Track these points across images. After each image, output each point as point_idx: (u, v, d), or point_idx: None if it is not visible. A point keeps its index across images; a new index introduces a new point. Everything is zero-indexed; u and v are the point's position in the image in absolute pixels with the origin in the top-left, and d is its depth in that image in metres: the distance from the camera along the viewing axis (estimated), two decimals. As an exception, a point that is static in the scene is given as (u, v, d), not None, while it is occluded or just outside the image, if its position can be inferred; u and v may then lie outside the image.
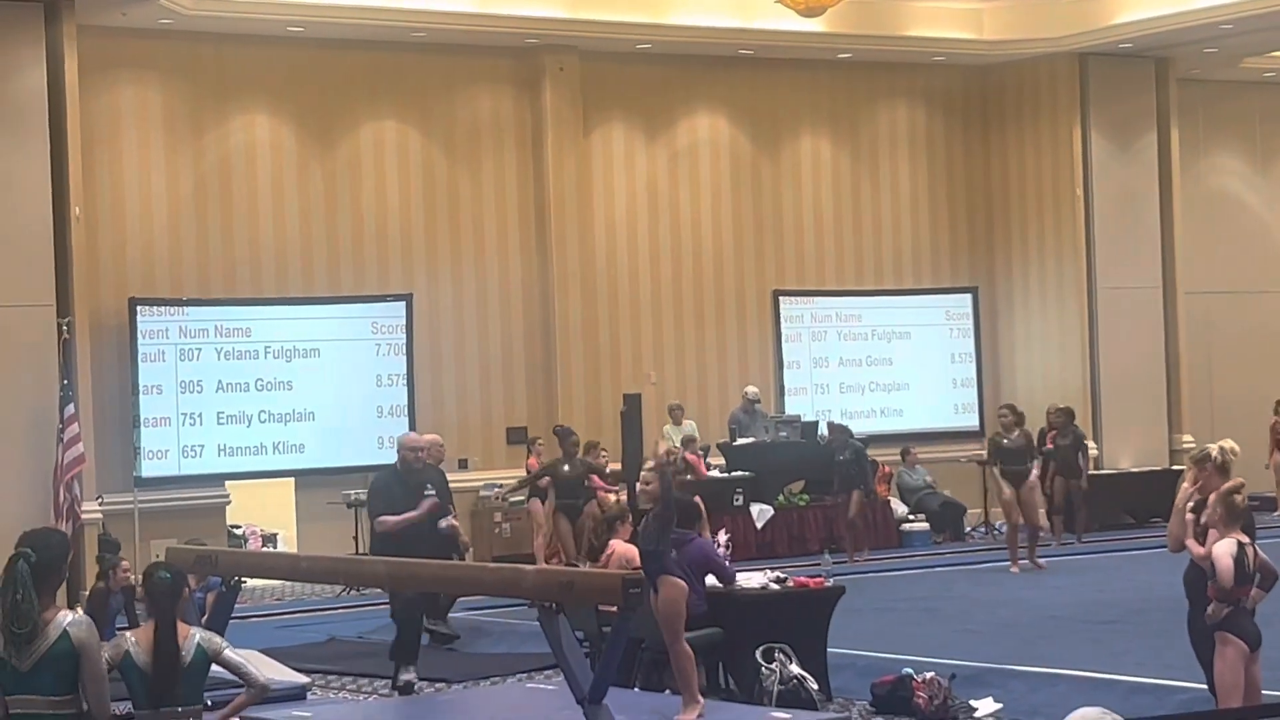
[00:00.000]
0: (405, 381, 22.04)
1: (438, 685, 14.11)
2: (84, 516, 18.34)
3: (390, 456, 21.55)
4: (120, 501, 19.93)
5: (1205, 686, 10.35)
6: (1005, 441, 20.19)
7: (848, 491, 21.46)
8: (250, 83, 21.77)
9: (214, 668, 8.34)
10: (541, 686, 13.21)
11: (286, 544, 21.57)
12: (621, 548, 13.28)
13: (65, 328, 18.82)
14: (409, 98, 22.75)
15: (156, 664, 8.13)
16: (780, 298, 25.10)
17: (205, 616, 12.30)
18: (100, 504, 19.26)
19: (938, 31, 25.25)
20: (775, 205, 25.28)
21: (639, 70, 24.14)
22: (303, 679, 13.76)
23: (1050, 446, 22.76)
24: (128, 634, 8.48)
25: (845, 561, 20.28)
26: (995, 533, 23.42)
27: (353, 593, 19.36)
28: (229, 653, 8.38)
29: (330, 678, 14.54)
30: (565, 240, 23.38)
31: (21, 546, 7.43)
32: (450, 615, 16.15)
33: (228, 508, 21.14)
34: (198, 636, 8.31)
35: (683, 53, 24.12)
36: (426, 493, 14.55)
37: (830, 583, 13.43)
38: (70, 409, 18.44)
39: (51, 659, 7.32)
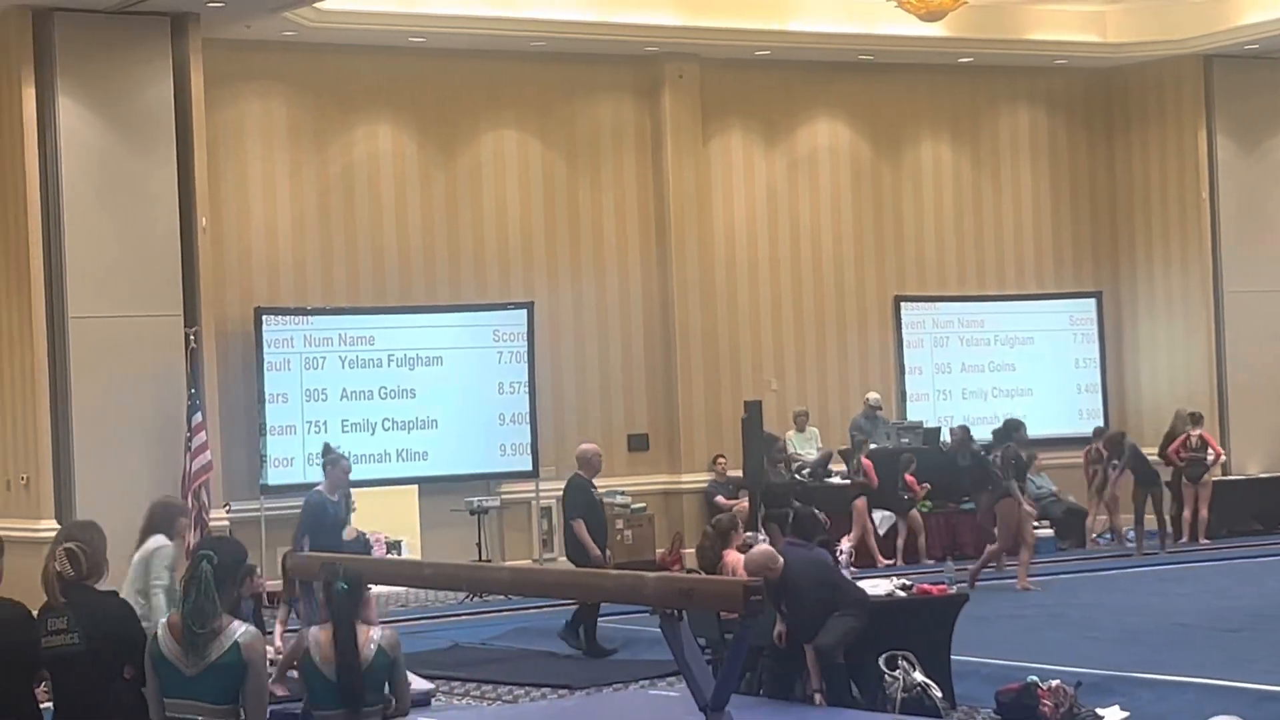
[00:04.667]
0: (527, 389, 22.13)
1: (560, 692, 14.16)
2: (212, 524, 18.53)
3: (513, 464, 21.96)
4: (247, 509, 20.14)
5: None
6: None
7: (975, 496, 21.22)
8: (373, 93, 21.96)
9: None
10: (664, 693, 13.22)
11: (410, 551, 21.71)
12: (734, 558, 13.25)
13: (192, 337, 19.03)
14: (529, 106, 22.86)
15: (339, 668, 8.24)
16: (902, 303, 25.00)
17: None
18: (227, 511, 19.46)
19: (1060, 34, 25.06)
20: (896, 210, 25.18)
21: (758, 77, 24.13)
22: (426, 685, 13.84)
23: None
24: (311, 630, 8.58)
25: (994, 567, 19.74)
26: (1123, 540, 23.21)
27: (475, 599, 19.46)
28: (401, 658, 8.46)
29: (454, 684, 14.63)
30: (685, 247, 23.40)
31: (203, 550, 7.53)
32: (562, 624, 16.24)
33: (352, 515, 21.28)
34: (379, 638, 8.38)
35: (802, 59, 24.08)
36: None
37: (954, 590, 13.36)
38: (198, 417, 18.65)
39: (219, 668, 7.38)
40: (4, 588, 8.16)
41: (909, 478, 22.12)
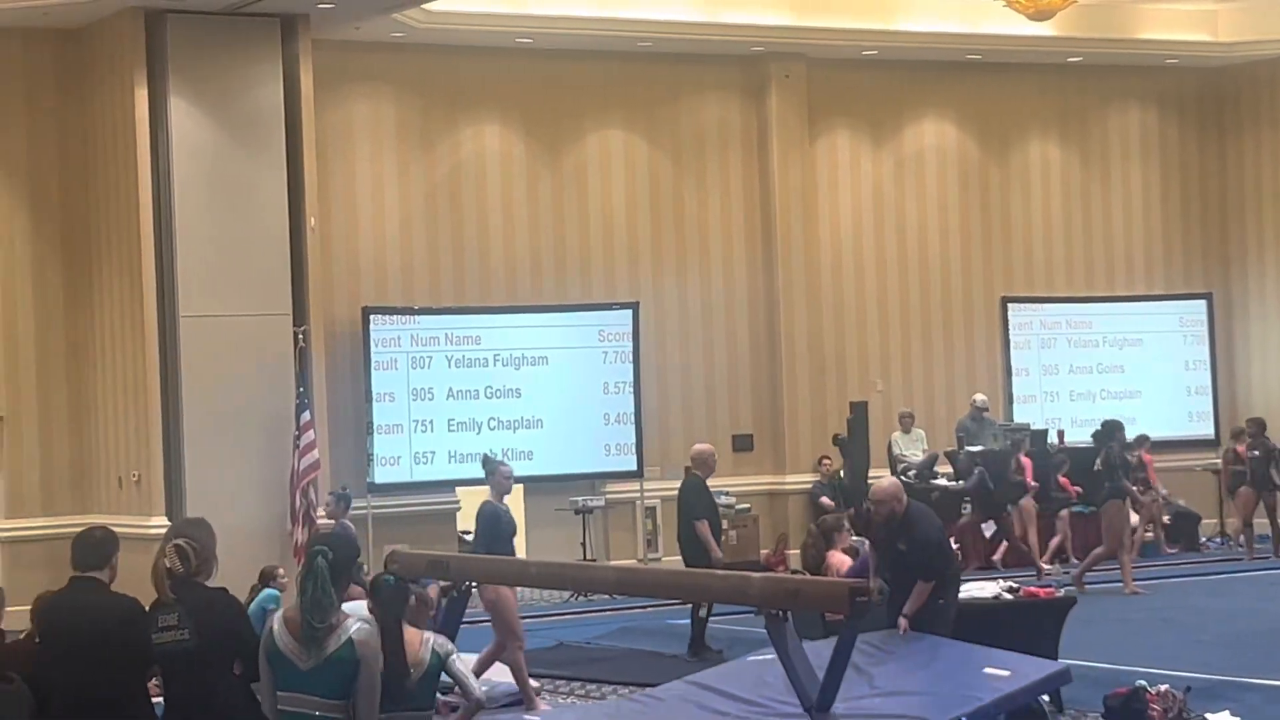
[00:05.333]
0: (632, 389, 22.15)
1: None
2: (319, 522, 18.65)
3: (618, 463, 21.98)
4: (355, 507, 20.21)
5: None
6: None
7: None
8: (480, 94, 22.05)
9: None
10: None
11: (515, 550, 21.74)
12: (837, 558, 13.22)
13: (301, 336, 19.18)
14: (635, 106, 22.88)
15: (385, 668, 8.25)
16: (1009, 304, 24.83)
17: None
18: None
19: (1170, 34, 24.82)
20: (1003, 211, 25.02)
21: (865, 76, 24.04)
22: (531, 684, 13.87)
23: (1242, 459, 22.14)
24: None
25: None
26: (1233, 544, 22.94)
27: (581, 599, 19.50)
28: (455, 660, 8.48)
29: (559, 683, 14.65)
30: (790, 247, 23.35)
31: (319, 546, 7.58)
32: (670, 623, 16.24)
33: (458, 514, 21.39)
34: (432, 642, 8.41)
35: (910, 58, 23.97)
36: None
37: (1061, 593, 13.25)
38: (306, 416, 18.79)
39: (333, 662, 7.43)
40: (116, 584, 8.27)
41: (1062, 479, 21.89)
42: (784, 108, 23.38)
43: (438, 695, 8.61)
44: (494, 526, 13.96)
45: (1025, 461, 21.49)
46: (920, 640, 11.46)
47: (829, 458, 22.28)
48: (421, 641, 8.33)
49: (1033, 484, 21.37)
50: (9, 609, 9.44)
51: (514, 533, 14.12)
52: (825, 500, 22.04)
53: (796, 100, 23.47)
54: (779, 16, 22.75)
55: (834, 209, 24.01)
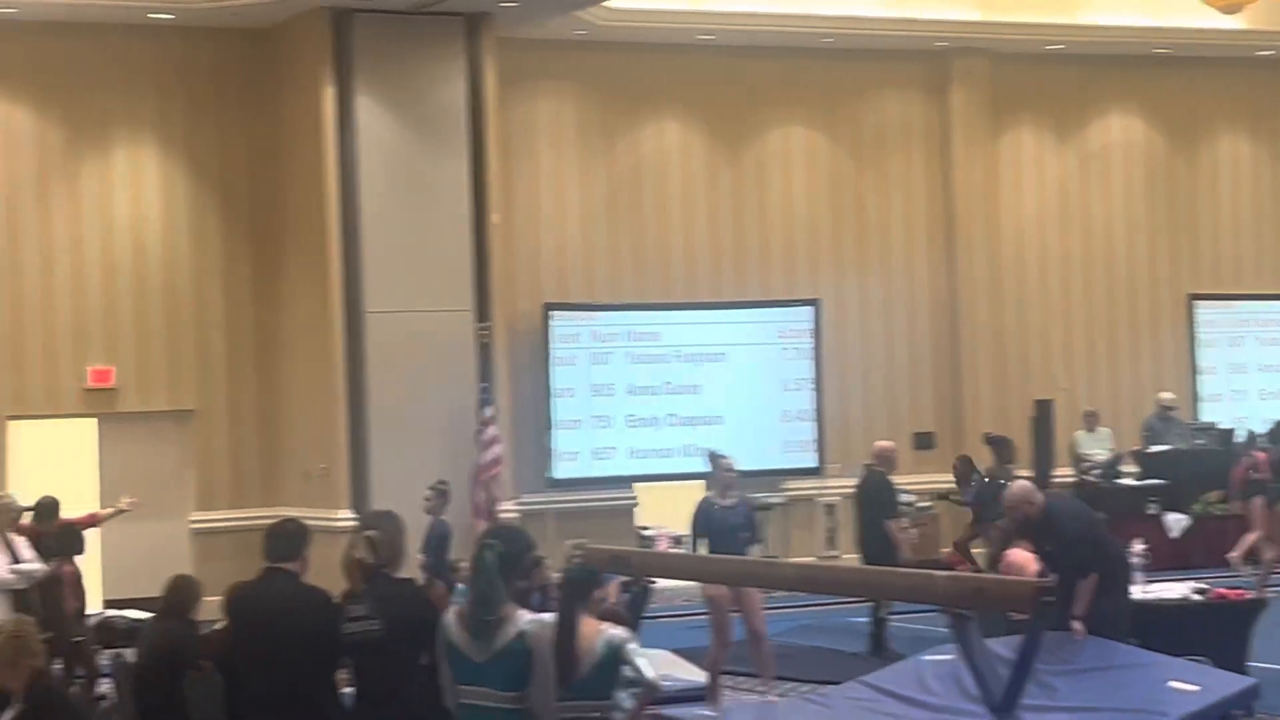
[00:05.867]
0: (811, 386, 22.08)
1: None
2: (501, 516, 18.78)
3: (797, 460, 21.93)
4: (535, 501, 20.39)
5: None
6: None
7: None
8: (662, 90, 22.08)
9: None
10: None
11: (740, 546, 21.72)
12: (1016, 556, 13.05)
13: (484, 332, 19.34)
14: (817, 103, 22.80)
15: (555, 657, 8.27)
16: (1196, 302, 24.42)
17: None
18: (516, 504, 19.74)
19: (1365, 26, 24.30)
20: (1191, 207, 24.62)
21: (1050, 71, 23.77)
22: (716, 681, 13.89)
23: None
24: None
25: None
26: None
27: (761, 595, 19.44)
28: (629, 648, 8.45)
29: (738, 679, 14.64)
30: (972, 245, 23.15)
31: (489, 539, 7.63)
32: (851, 621, 16.16)
33: (636, 509, 21.46)
34: (607, 633, 8.42)
35: (1095, 53, 23.68)
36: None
37: (1253, 595, 13.01)
38: (488, 411, 18.94)
39: (507, 655, 7.46)
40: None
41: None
42: (967, 103, 23.18)
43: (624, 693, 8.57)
44: (704, 522, 14.03)
45: (1260, 457, 20.91)
46: (1098, 646, 11.27)
47: (968, 456, 21.68)
48: (597, 632, 8.36)
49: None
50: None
51: (737, 527, 14.10)
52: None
53: (980, 96, 23.26)
54: (963, 11, 22.57)
55: (1017, 206, 23.77)
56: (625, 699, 7.95)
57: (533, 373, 20.99)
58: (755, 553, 14.59)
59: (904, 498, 21.38)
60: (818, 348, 22.11)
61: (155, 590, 10.57)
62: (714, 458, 14.55)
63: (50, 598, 13.24)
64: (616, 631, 8.52)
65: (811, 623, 17.84)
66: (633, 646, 8.41)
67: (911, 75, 23.18)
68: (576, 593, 8.38)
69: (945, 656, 11.03)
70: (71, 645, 13.24)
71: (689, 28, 21.50)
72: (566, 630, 8.06)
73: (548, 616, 8.29)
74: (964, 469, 21.06)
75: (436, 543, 15.96)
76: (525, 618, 7.54)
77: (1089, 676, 10.96)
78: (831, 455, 22.09)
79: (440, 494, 16.82)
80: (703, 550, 14.07)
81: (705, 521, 14.28)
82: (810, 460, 22.07)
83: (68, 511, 14.85)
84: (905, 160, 23.23)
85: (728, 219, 22.39)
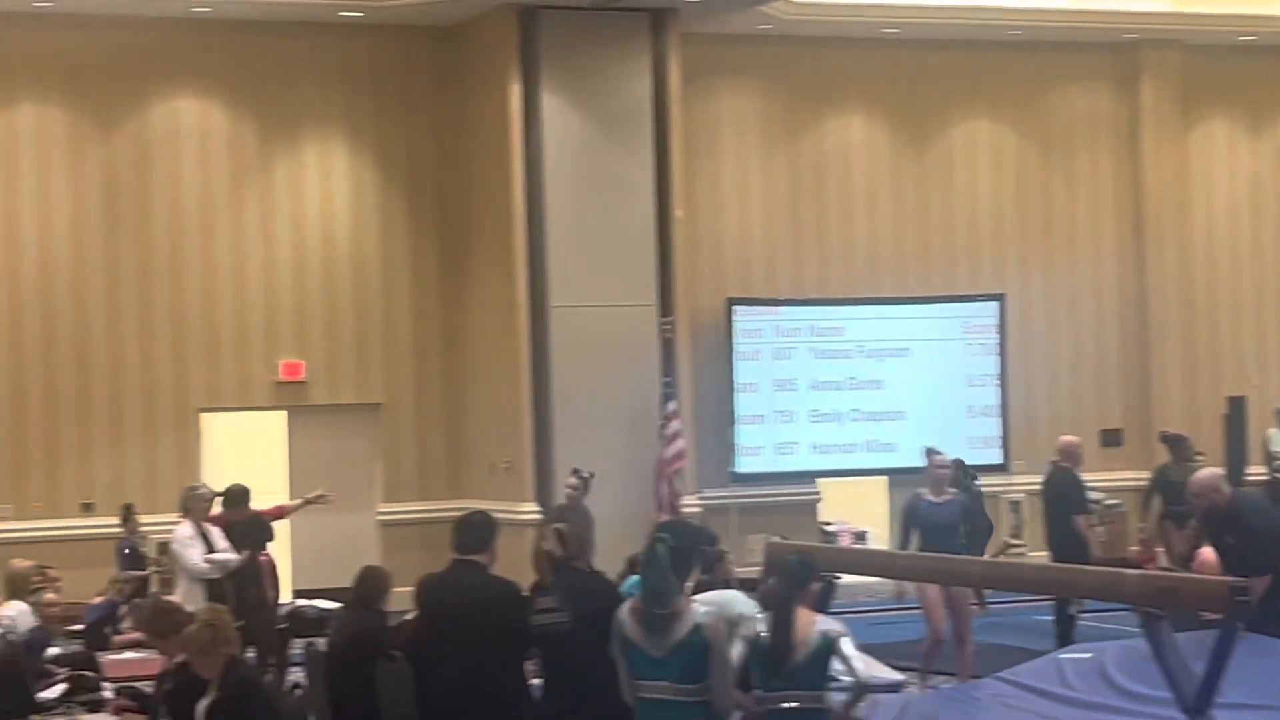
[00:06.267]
0: (996, 382, 21.87)
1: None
2: (684, 510, 18.82)
3: (982, 456, 21.70)
4: (717, 496, 20.40)
5: None
6: None
7: None
8: (845, 85, 21.98)
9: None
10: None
11: (875, 542, 21.69)
12: (1209, 555, 12.83)
13: (667, 327, 19.39)
14: (1003, 96, 22.57)
15: (771, 647, 8.29)
16: (1392, 295, 23.88)
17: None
18: (699, 498, 19.77)
19: None
20: (1389, 200, 24.07)
21: (1243, 63, 23.33)
22: (897, 676, 13.85)
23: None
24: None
25: None
26: None
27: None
28: (843, 643, 8.46)
29: (938, 677, 14.54)
30: (1162, 239, 22.80)
31: (660, 533, 7.67)
32: (1037, 618, 15.99)
33: (819, 505, 21.39)
34: (822, 625, 8.41)
35: (1289, 43, 23.24)
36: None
37: None
38: (671, 405, 19.00)
39: (683, 648, 7.50)
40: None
41: None
42: (1156, 96, 22.84)
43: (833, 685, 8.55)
44: (910, 518, 13.99)
45: None
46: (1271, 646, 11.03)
47: (1203, 452, 21.27)
48: (812, 623, 8.36)
49: None
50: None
51: (950, 525, 14.03)
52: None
53: (1170, 88, 22.90)
54: (1153, 3, 22.24)
55: (1208, 200, 23.37)
56: (837, 696, 7.96)
57: (715, 368, 20.99)
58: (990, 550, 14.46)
59: (1091, 495, 21.19)
60: (1003, 343, 21.88)
61: (344, 581, 10.75)
62: (930, 453, 14.48)
63: (243, 587, 13.45)
64: (833, 625, 8.52)
65: (997, 621, 17.68)
66: (847, 641, 8.39)
67: (1100, 68, 22.87)
68: (793, 585, 8.39)
69: (1083, 655, 10.89)
70: (264, 634, 13.45)
71: (873, 21, 21.38)
72: (783, 621, 8.07)
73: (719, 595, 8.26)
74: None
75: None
76: (699, 610, 7.56)
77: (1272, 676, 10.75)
78: (1016, 452, 21.86)
79: (583, 483, 16.96)
80: (912, 547, 14.00)
81: (913, 517, 14.22)
82: (995, 457, 21.84)
83: (257, 503, 15.08)
84: (1092, 154, 22.93)
85: (912, 213, 22.24)
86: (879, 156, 22.17)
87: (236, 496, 14.32)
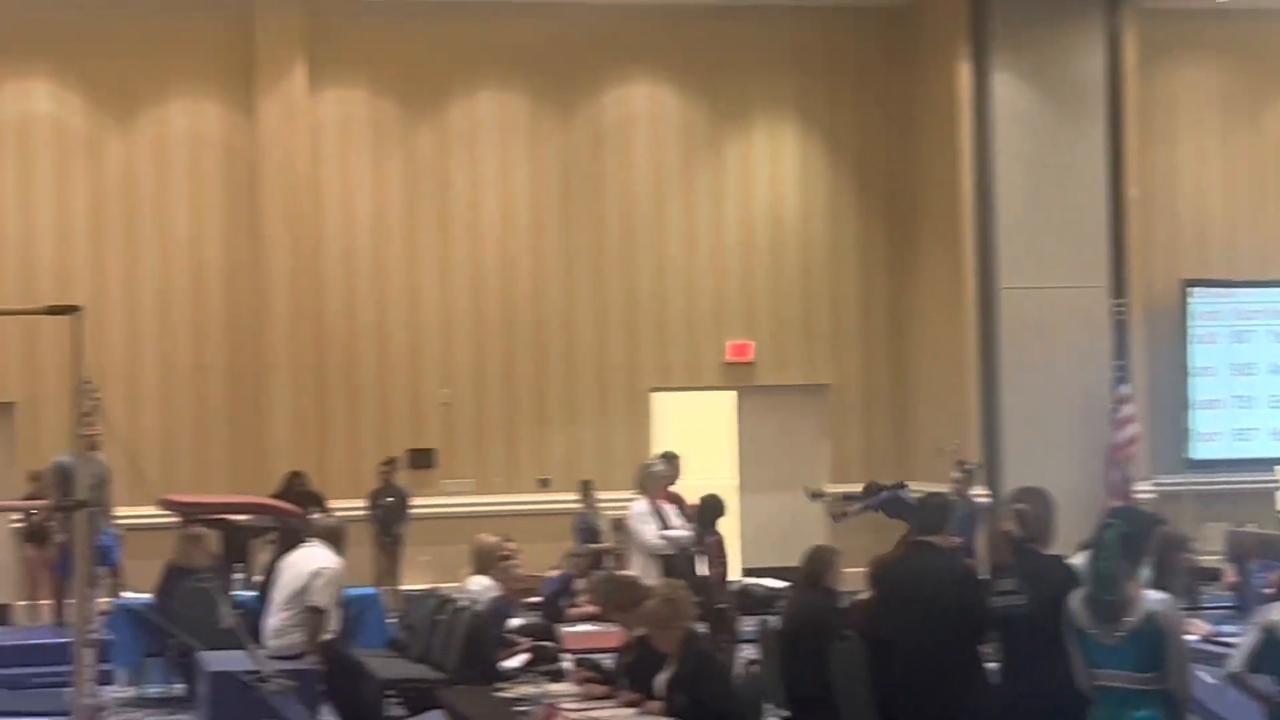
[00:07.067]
0: None
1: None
2: (1136, 496, 18.43)
3: None
4: (1171, 482, 19.90)
5: None
6: None
7: None
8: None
9: None
10: None
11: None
12: None
13: (1120, 309, 19.01)
14: None
15: None
16: None
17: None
18: (1153, 484, 19.33)
19: None
20: None
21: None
22: None
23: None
24: None
25: None
26: None
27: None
28: (1174, 634, 7.98)
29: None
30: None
31: (1111, 519, 7.54)
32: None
33: (1277, 494, 20.64)
34: (1153, 603, 7.82)
35: None
36: None
37: None
38: (1123, 389, 18.63)
39: (1137, 637, 7.37)
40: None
41: None
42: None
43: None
44: None
45: None
46: None
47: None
48: (1138, 596, 8.03)
49: None
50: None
51: None
52: None
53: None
54: None
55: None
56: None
57: (1169, 351, 20.46)
58: None
59: None
60: None
61: (791, 560, 10.83)
62: None
63: (692, 565, 13.64)
64: (1168, 608, 8.21)
65: None
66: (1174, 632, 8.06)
67: None
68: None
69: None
70: (715, 611, 13.62)
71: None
72: None
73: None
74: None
75: (965, 522, 15.81)
76: (1153, 598, 7.40)
77: None
78: None
79: (968, 474, 16.70)
80: None
81: None
82: None
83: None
84: None
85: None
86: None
87: (712, 508, 14.35)
